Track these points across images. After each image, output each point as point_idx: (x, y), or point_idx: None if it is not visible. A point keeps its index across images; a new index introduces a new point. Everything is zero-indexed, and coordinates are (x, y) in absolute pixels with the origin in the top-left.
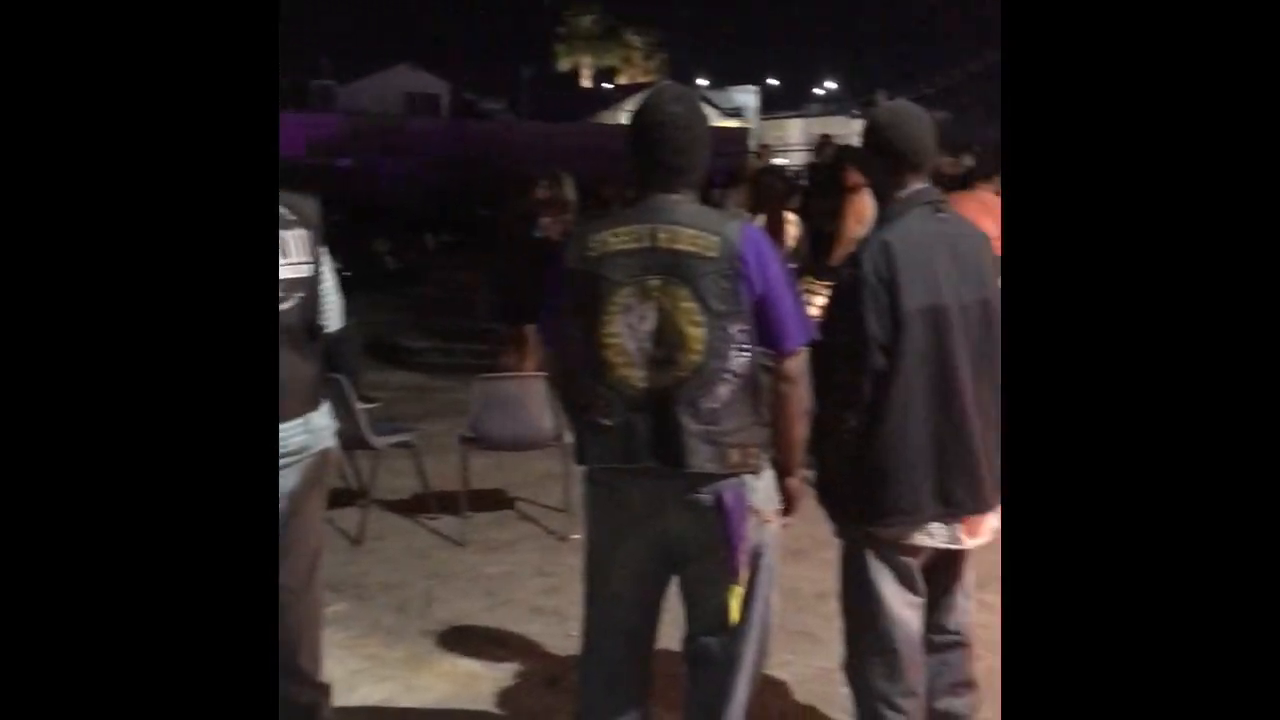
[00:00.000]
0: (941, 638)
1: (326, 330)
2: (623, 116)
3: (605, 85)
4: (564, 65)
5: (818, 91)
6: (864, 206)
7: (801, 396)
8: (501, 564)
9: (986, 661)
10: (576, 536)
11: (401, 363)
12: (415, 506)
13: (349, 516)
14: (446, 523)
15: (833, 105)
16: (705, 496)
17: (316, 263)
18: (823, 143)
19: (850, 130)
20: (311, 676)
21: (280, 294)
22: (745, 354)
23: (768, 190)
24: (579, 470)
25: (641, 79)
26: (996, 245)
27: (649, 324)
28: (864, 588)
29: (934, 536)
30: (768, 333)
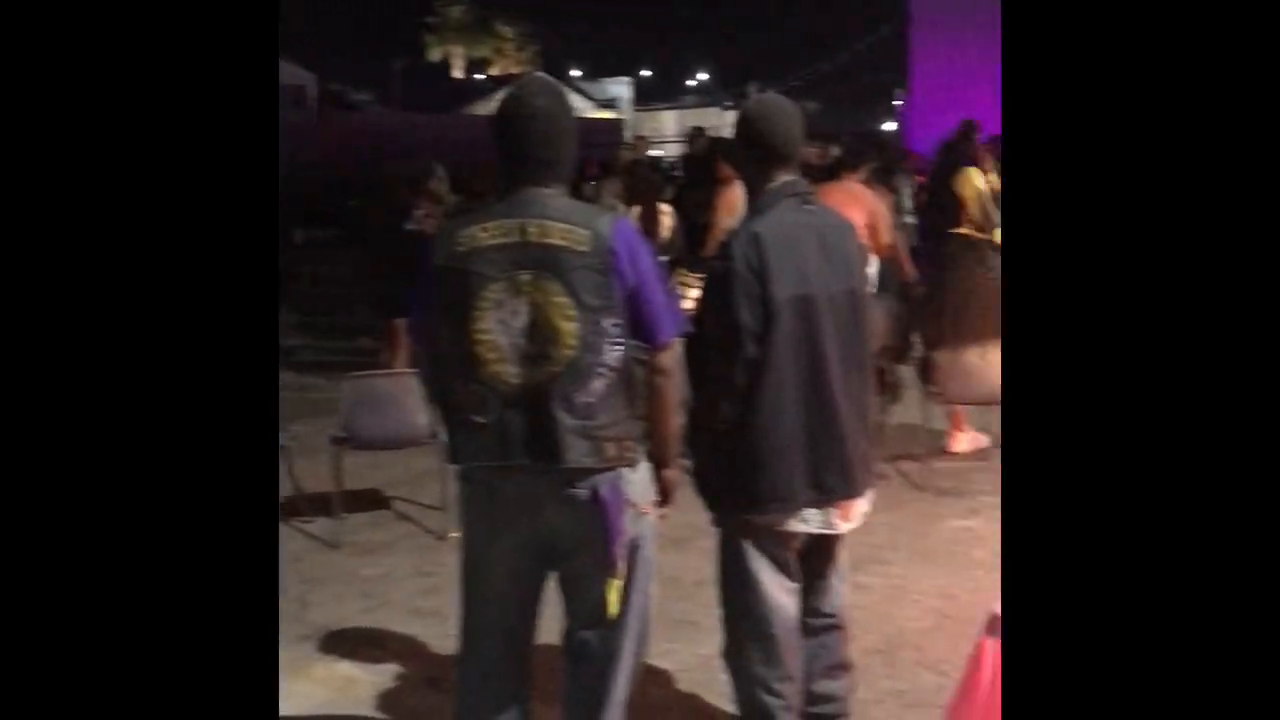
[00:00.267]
0: (817, 621)
1: None
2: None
3: (477, 76)
4: (435, 56)
5: (690, 83)
6: (735, 198)
7: (676, 388)
8: (378, 565)
9: (861, 642)
10: (455, 535)
11: None
12: (287, 510)
13: None
14: (320, 525)
15: (706, 97)
16: (581, 491)
17: None
18: (696, 135)
19: (723, 122)
20: None
21: None
22: (619, 347)
23: (642, 183)
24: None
25: (514, 70)
26: (862, 234)
27: (521, 319)
28: (741, 575)
29: (808, 522)
30: (641, 326)
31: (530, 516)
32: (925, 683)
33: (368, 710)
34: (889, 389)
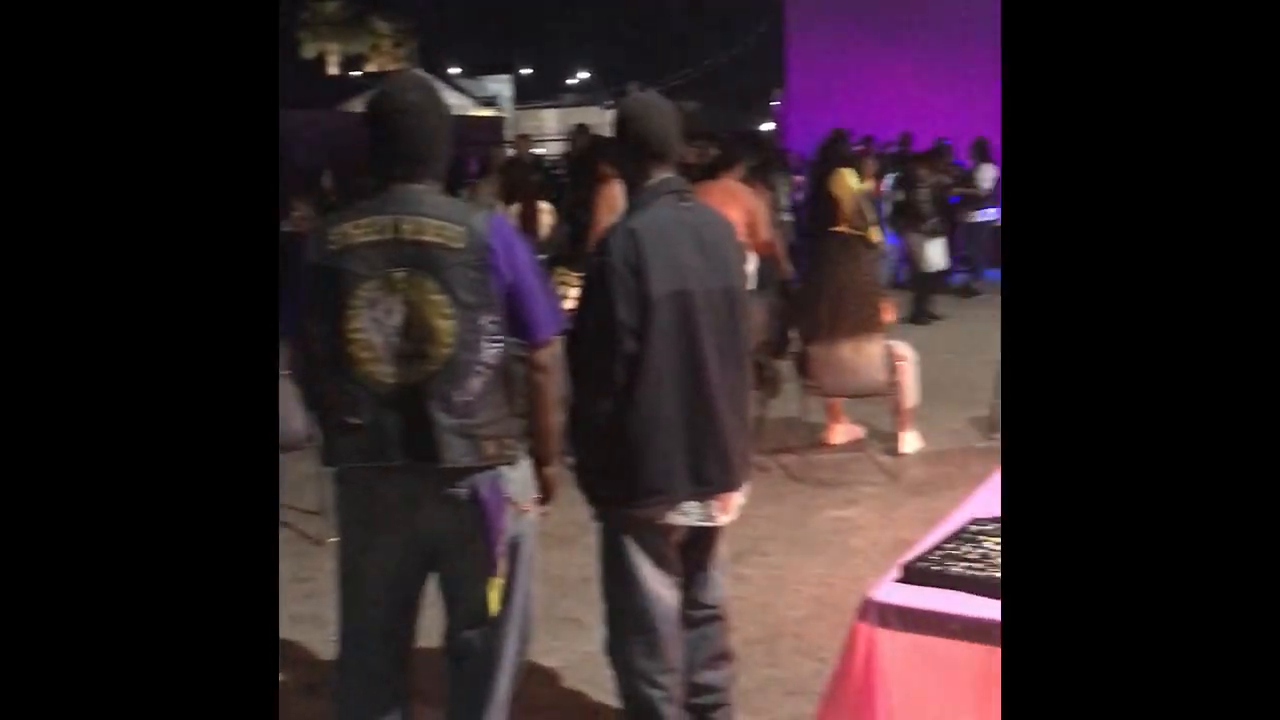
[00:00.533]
0: (698, 613)
1: None
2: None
3: (354, 73)
4: (309, 52)
5: (571, 82)
6: (615, 196)
7: (556, 385)
8: None
9: (743, 633)
10: (334, 540)
11: None
12: None
13: None
14: None
15: (587, 95)
16: (461, 491)
17: None
18: (577, 133)
19: (604, 120)
20: None
21: None
22: (497, 345)
23: (520, 181)
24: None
25: (391, 67)
26: (740, 232)
27: (396, 318)
28: (622, 569)
29: (688, 515)
30: (519, 323)
31: (409, 517)
32: (805, 670)
33: None
34: (768, 383)
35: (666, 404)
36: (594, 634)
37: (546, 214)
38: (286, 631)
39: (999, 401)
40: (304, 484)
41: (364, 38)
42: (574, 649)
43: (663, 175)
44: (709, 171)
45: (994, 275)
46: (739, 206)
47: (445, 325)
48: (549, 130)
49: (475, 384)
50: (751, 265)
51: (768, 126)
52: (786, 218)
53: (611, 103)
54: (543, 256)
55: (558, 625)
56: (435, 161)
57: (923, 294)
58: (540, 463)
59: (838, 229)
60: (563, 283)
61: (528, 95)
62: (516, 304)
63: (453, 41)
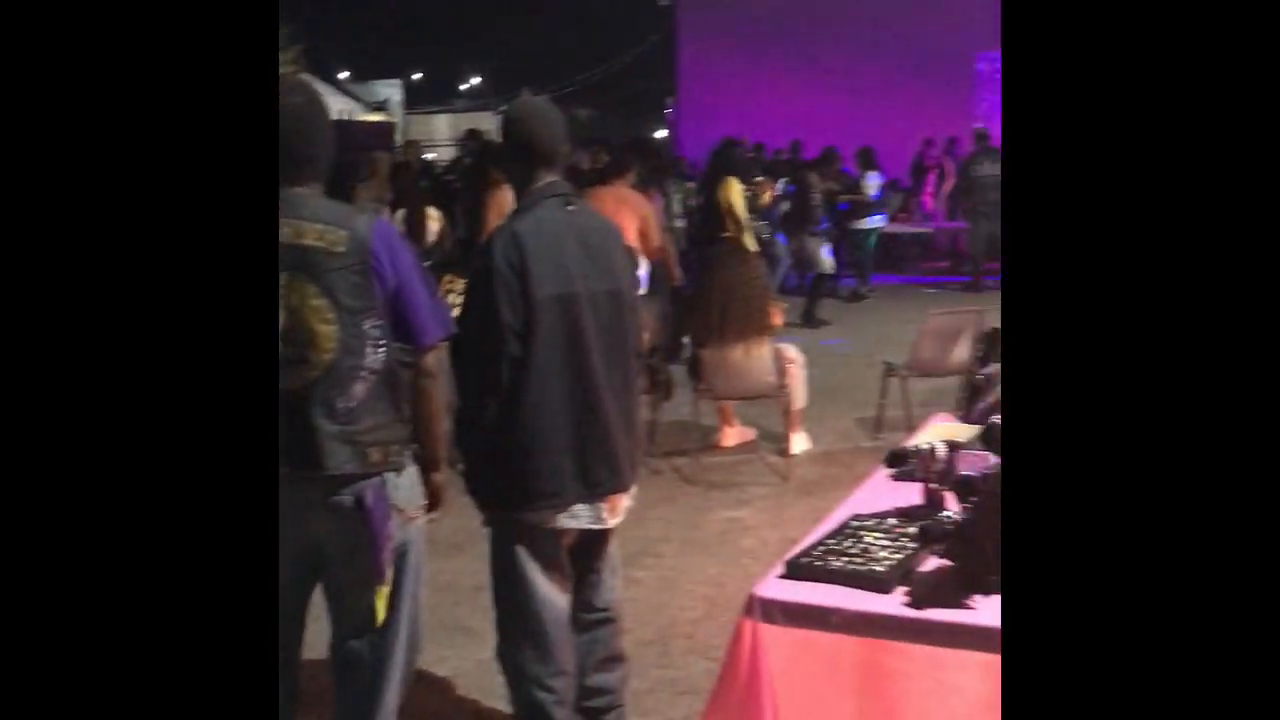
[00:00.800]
0: (590, 615)
1: None
2: None
3: None
4: None
5: (463, 87)
6: (505, 202)
7: (441, 390)
8: None
9: (635, 634)
10: None
11: None
12: None
13: None
14: None
15: (479, 101)
16: (345, 498)
17: None
18: (468, 138)
19: (496, 126)
20: None
21: None
22: (381, 350)
23: (407, 186)
24: None
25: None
26: (632, 237)
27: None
28: (512, 573)
29: (578, 518)
30: (404, 327)
31: (293, 526)
32: (697, 669)
33: None
34: (661, 387)
35: (552, 406)
36: (487, 642)
37: (434, 220)
38: None
39: (885, 402)
40: None
41: None
42: (466, 657)
43: (548, 179)
44: (601, 177)
45: (879, 279)
46: (631, 212)
47: (326, 330)
48: (440, 135)
49: (359, 389)
50: (643, 270)
51: (661, 134)
52: (679, 224)
53: (504, 109)
54: (429, 262)
55: (450, 634)
56: (315, 165)
57: (814, 298)
58: (428, 469)
59: (727, 235)
60: (450, 289)
61: (419, 100)
62: (401, 308)
63: (342, 45)
